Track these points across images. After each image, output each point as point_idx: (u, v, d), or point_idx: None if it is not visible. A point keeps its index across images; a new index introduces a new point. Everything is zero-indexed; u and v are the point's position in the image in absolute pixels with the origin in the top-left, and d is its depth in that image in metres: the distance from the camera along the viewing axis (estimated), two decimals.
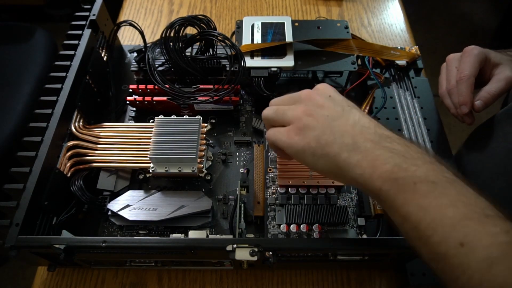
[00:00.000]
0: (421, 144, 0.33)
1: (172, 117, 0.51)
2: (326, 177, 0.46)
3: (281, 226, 0.44)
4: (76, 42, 0.53)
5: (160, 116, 0.51)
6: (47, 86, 0.49)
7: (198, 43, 0.57)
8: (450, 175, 0.30)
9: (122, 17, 0.76)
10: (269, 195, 0.47)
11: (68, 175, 0.47)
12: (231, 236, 0.46)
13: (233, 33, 0.61)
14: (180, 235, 0.46)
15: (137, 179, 0.51)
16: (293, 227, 0.44)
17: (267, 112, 0.40)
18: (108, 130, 0.52)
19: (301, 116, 0.36)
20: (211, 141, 0.55)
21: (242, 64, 0.52)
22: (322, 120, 0.35)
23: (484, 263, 0.25)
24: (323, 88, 0.39)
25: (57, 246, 0.37)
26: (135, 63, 0.57)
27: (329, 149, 0.33)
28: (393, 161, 0.31)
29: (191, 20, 0.53)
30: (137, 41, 0.71)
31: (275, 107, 0.40)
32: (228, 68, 0.53)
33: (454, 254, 0.26)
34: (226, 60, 0.55)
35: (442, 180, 0.29)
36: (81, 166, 0.49)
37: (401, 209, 0.29)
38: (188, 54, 0.55)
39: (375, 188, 0.31)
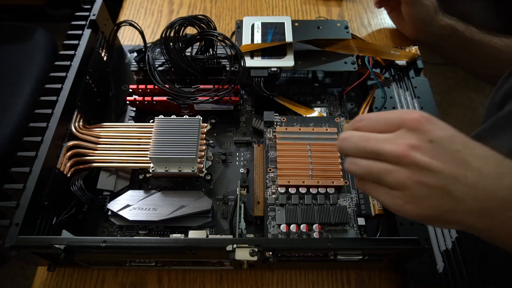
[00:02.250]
0: None
1: (172, 117, 0.51)
2: None
3: (281, 226, 0.44)
4: (76, 42, 0.53)
5: (160, 116, 0.51)
6: (47, 86, 0.49)
7: (198, 43, 0.57)
8: None
9: (122, 17, 0.76)
10: (269, 195, 0.47)
11: (68, 175, 0.47)
12: (231, 236, 0.46)
13: (233, 33, 0.61)
14: (180, 235, 0.46)
15: (137, 179, 0.51)
16: (293, 227, 0.44)
17: (347, 144, 0.34)
18: (108, 130, 0.52)
19: (407, 185, 0.30)
20: (211, 141, 0.55)
21: (242, 64, 0.52)
22: (435, 185, 0.30)
23: None
24: (419, 129, 0.31)
25: (57, 246, 0.37)
26: (135, 63, 0.57)
27: (452, 217, 0.30)
28: None
29: (191, 20, 0.53)
30: (137, 41, 0.71)
31: (364, 141, 0.33)
32: (228, 68, 0.53)
33: None
34: (226, 60, 0.55)
35: None
36: (81, 166, 0.49)
37: None
38: (188, 54, 0.55)
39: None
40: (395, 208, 0.32)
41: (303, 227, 0.44)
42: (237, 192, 0.47)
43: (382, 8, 0.77)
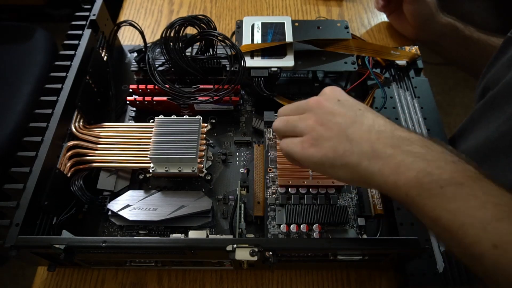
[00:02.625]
0: (437, 138, 0.32)
1: (172, 117, 0.51)
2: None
3: (281, 226, 0.44)
4: (76, 42, 0.53)
5: (160, 116, 0.51)
6: (47, 86, 0.49)
7: (198, 43, 0.57)
8: (473, 173, 0.30)
9: (122, 17, 0.76)
10: (269, 195, 0.47)
11: (68, 175, 0.47)
12: (231, 236, 0.46)
13: (233, 33, 0.61)
14: (180, 235, 0.46)
15: (137, 179, 0.51)
16: (293, 227, 0.44)
17: (277, 124, 0.40)
18: (108, 130, 0.52)
19: (313, 127, 0.35)
20: (211, 141, 0.55)
21: (242, 64, 0.52)
22: (335, 128, 0.34)
23: None
24: (330, 92, 0.38)
25: (57, 246, 0.37)
26: (135, 63, 0.57)
27: (348, 158, 0.33)
28: (417, 166, 0.30)
29: (191, 20, 0.53)
30: (137, 41, 0.71)
31: (285, 118, 0.39)
32: (228, 68, 0.53)
33: (488, 256, 0.26)
34: (226, 60, 0.55)
35: (468, 180, 0.29)
36: (81, 166, 0.49)
37: (430, 213, 0.29)
38: (188, 54, 0.55)
39: (401, 194, 0.30)
40: (301, 152, 0.35)
41: (303, 227, 0.44)
42: (237, 192, 0.47)
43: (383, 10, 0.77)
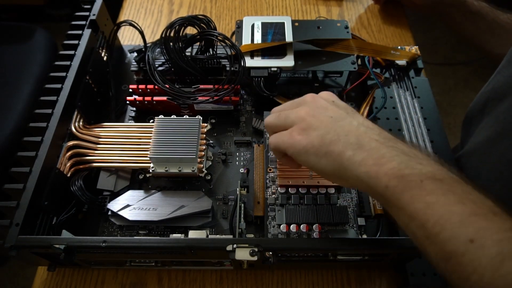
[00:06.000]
0: (422, 146, 0.33)
1: (172, 117, 0.51)
2: (327, 179, 0.46)
3: (281, 226, 0.44)
4: (76, 42, 0.53)
5: (160, 116, 0.51)
6: (47, 86, 0.49)
7: (198, 43, 0.57)
8: (455, 175, 0.30)
9: (122, 17, 0.76)
10: (269, 195, 0.47)
11: (68, 175, 0.47)
12: (231, 236, 0.46)
13: (233, 33, 0.61)
14: (180, 235, 0.46)
15: (137, 179, 0.51)
16: (293, 227, 0.44)
17: (269, 118, 0.40)
18: (108, 130, 0.52)
19: (304, 117, 0.36)
20: (211, 141, 0.55)
21: (242, 64, 0.52)
22: (326, 120, 0.35)
23: (496, 259, 0.25)
24: (327, 94, 0.39)
25: (57, 246, 0.37)
26: (135, 63, 0.57)
27: (333, 147, 0.33)
28: (399, 159, 0.31)
29: (191, 20, 0.53)
30: (137, 41, 0.71)
31: (277, 113, 0.39)
32: (228, 68, 0.53)
33: (463, 251, 0.26)
34: (226, 60, 0.55)
35: (448, 178, 0.29)
36: (81, 166, 0.49)
37: (408, 207, 0.29)
38: (188, 54, 0.55)
39: (381, 185, 0.31)
40: (288, 140, 0.36)
41: (303, 227, 0.44)
42: (237, 192, 0.47)
43: (382, 8, 0.77)
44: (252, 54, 0.55)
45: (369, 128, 0.34)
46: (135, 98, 0.54)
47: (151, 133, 0.49)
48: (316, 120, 0.35)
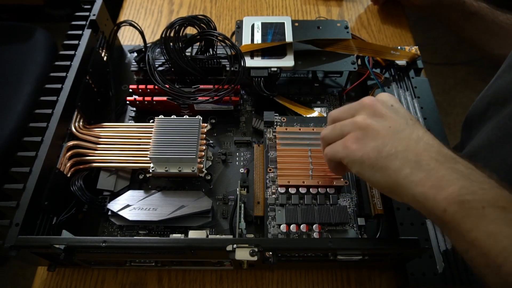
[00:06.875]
0: (484, 168, 0.32)
1: (172, 117, 0.51)
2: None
3: (281, 226, 0.44)
4: (76, 42, 0.53)
5: (160, 116, 0.51)
6: (47, 86, 0.49)
7: (198, 43, 0.57)
8: None
9: (122, 17, 0.76)
10: (269, 195, 0.47)
11: (68, 175, 0.47)
12: (231, 236, 0.46)
13: (233, 33, 0.61)
14: (180, 235, 0.46)
15: (137, 179, 0.51)
16: (293, 227, 0.44)
17: (324, 131, 0.39)
18: (108, 130, 0.52)
19: (360, 125, 0.34)
20: (211, 141, 0.55)
21: (242, 64, 0.52)
22: (383, 131, 0.33)
23: None
24: (386, 97, 0.37)
25: (57, 246, 0.37)
26: (135, 63, 0.57)
27: (390, 162, 0.32)
28: (459, 183, 0.29)
29: (191, 20, 0.53)
30: (137, 41, 0.71)
31: (332, 126, 0.38)
32: (228, 68, 0.53)
33: None
34: (226, 60, 0.55)
35: (511, 204, 0.28)
36: (81, 166, 0.49)
37: (468, 234, 0.28)
38: (188, 54, 0.55)
39: (439, 209, 0.29)
40: (342, 149, 0.35)
41: (303, 227, 0.44)
42: (237, 192, 0.47)
43: (382, 8, 0.77)
44: (252, 54, 0.55)
45: (428, 144, 0.32)
46: (135, 98, 0.54)
47: (151, 133, 0.49)
48: (373, 130, 0.33)
